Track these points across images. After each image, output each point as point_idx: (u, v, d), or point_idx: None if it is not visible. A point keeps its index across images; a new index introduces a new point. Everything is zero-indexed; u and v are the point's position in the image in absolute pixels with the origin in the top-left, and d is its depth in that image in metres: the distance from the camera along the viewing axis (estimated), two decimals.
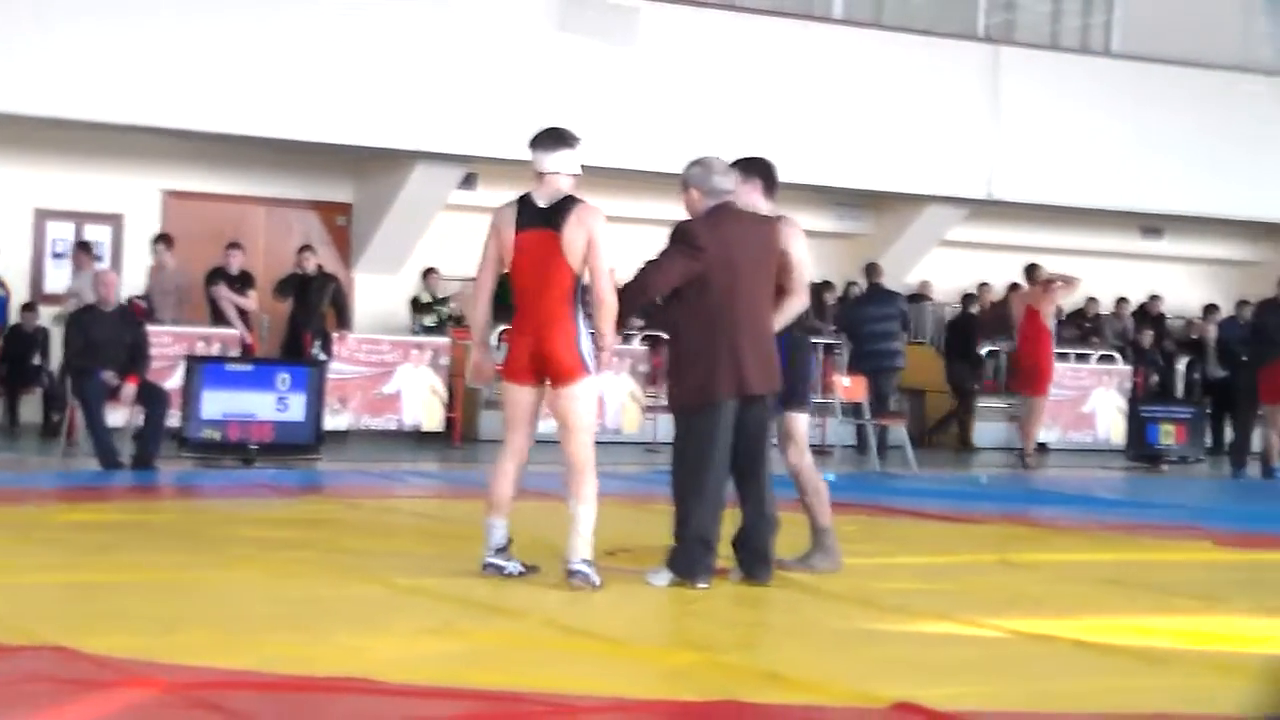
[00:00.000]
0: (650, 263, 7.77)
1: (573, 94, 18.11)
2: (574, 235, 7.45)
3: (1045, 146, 20.84)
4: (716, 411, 7.65)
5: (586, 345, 7.52)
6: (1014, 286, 20.28)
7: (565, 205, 7.51)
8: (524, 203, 7.59)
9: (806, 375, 8.34)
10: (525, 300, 7.56)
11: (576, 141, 7.67)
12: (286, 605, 6.86)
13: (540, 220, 7.51)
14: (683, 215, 7.90)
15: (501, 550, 7.62)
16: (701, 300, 7.66)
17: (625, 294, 7.77)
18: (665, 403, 8.14)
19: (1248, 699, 4.93)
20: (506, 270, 7.60)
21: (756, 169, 8.21)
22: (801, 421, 8.27)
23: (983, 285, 21.82)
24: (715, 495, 7.68)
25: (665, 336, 8.00)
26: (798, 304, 8.09)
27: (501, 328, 17.83)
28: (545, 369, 7.50)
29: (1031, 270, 18.21)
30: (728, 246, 7.68)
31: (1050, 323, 17.92)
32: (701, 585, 7.58)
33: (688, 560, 7.62)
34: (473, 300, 7.78)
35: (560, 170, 7.58)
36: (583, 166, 7.68)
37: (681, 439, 7.73)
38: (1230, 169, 21.69)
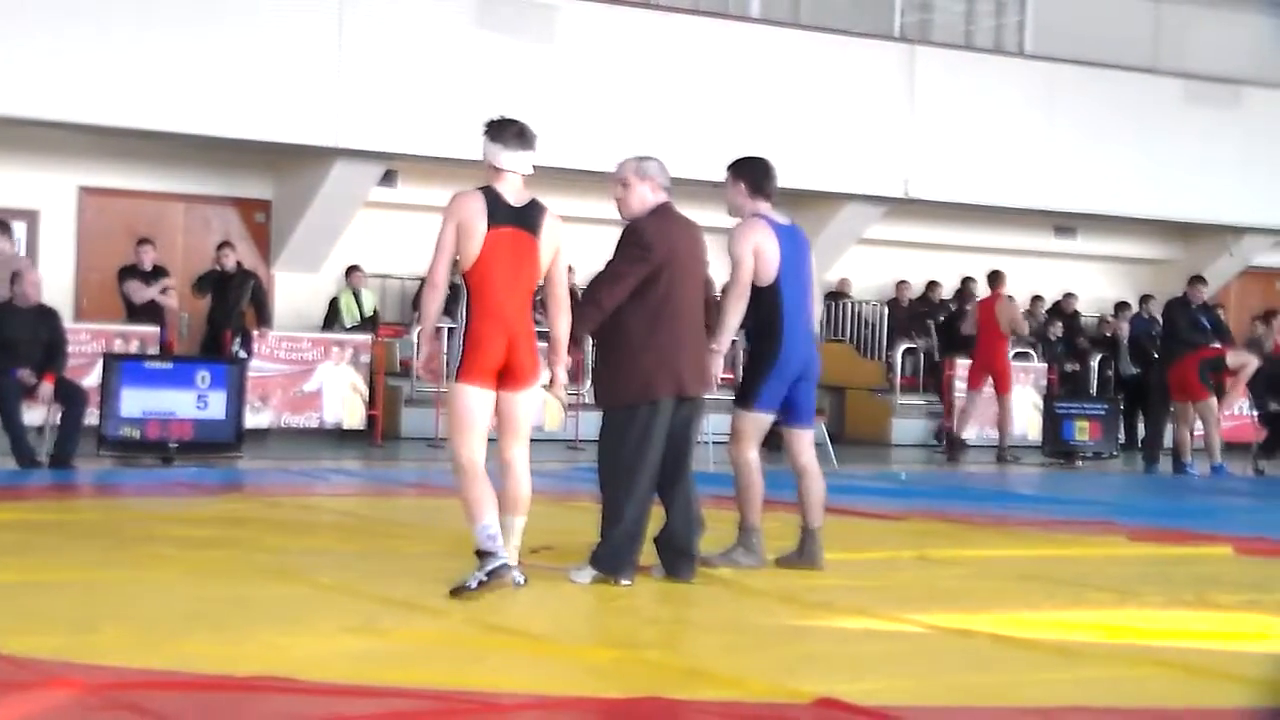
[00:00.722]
0: (602, 276, 7.74)
1: (490, 91, 18.07)
2: (548, 241, 7.42)
3: (961, 146, 21.03)
4: (655, 409, 7.66)
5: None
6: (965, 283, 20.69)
7: (537, 208, 7.45)
8: (493, 197, 7.39)
9: (757, 373, 8.32)
10: (494, 298, 7.32)
11: (534, 141, 7.57)
12: (207, 604, 6.83)
13: (515, 219, 7.37)
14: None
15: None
16: (644, 298, 7.67)
17: (582, 313, 7.74)
18: (592, 398, 8.08)
19: (1252, 693, 5.02)
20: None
21: (745, 170, 8.32)
22: (746, 418, 8.28)
23: (901, 283, 21.99)
24: (646, 493, 7.70)
25: (597, 331, 7.88)
26: (743, 305, 8.15)
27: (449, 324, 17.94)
28: (508, 372, 7.35)
29: (994, 277, 18.37)
30: (672, 247, 7.74)
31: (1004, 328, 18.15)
32: (625, 582, 7.60)
33: (613, 557, 7.64)
34: (428, 291, 7.48)
35: (520, 170, 7.47)
36: (491, 164, 7.60)
37: (615, 435, 7.69)
38: (1141, 169, 21.98)
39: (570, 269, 7.50)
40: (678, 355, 7.71)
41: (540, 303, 7.78)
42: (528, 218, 7.38)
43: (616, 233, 7.88)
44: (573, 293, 8.10)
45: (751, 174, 8.35)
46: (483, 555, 7.19)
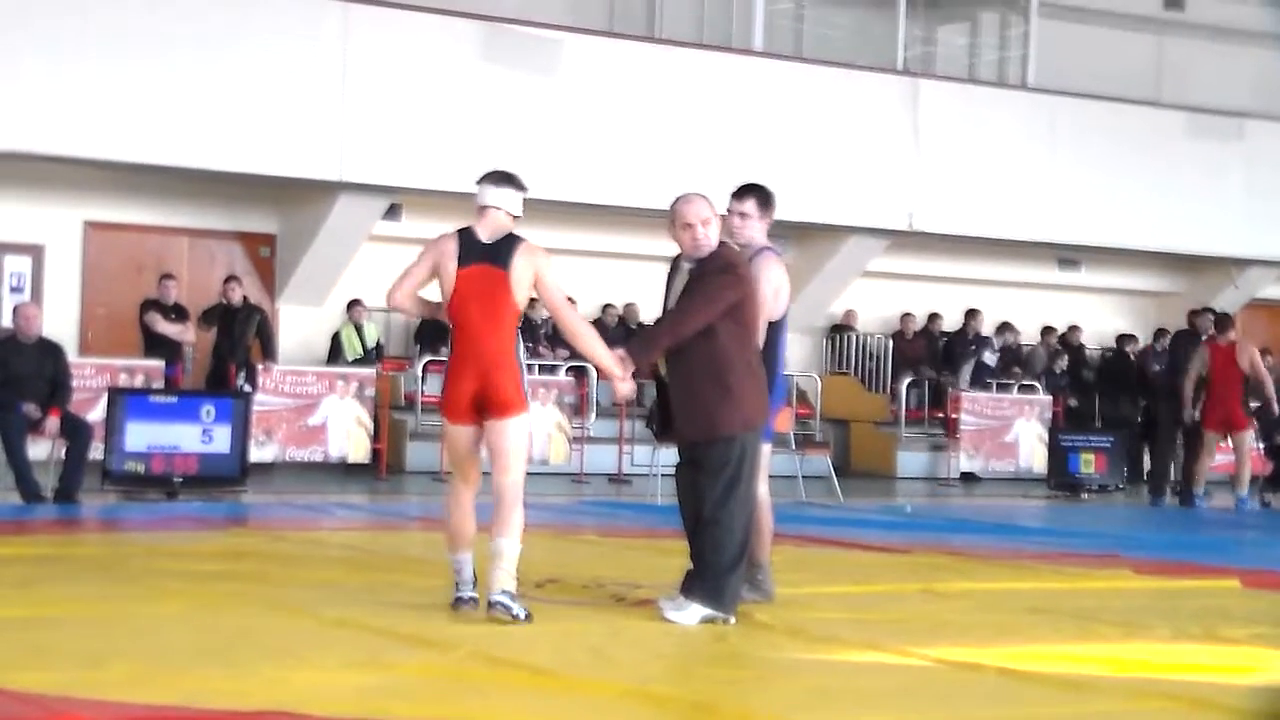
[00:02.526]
0: (694, 299, 7.60)
1: (495, 124, 18.16)
2: (521, 272, 7.43)
3: (965, 178, 21.05)
4: (759, 437, 7.72)
5: (525, 379, 7.55)
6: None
7: (510, 242, 7.49)
8: (465, 236, 7.54)
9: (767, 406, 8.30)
10: (467, 337, 7.46)
11: (523, 185, 7.68)
12: (213, 638, 6.81)
13: (485, 256, 7.46)
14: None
15: (473, 584, 7.56)
16: (741, 325, 7.67)
17: (664, 331, 7.68)
18: (688, 428, 7.75)
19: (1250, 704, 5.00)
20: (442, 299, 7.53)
21: (769, 199, 8.31)
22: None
23: (906, 316, 22.00)
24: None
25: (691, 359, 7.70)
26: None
27: (426, 359, 17.92)
28: (486, 404, 7.45)
29: (1222, 320, 17.63)
30: (750, 277, 7.78)
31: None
32: (733, 620, 7.57)
33: (735, 595, 7.60)
34: (397, 301, 7.65)
35: (503, 207, 7.57)
36: (480, 204, 7.65)
37: (736, 463, 7.57)
38: (1145, 202, 22.00)
39: (571, 300, 7.44)
40: (761, 384, 7.76)
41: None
42: (498, 253, 7.45)
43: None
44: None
45: (772, 203, 8.32)
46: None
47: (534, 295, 7.63)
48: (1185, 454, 17.72)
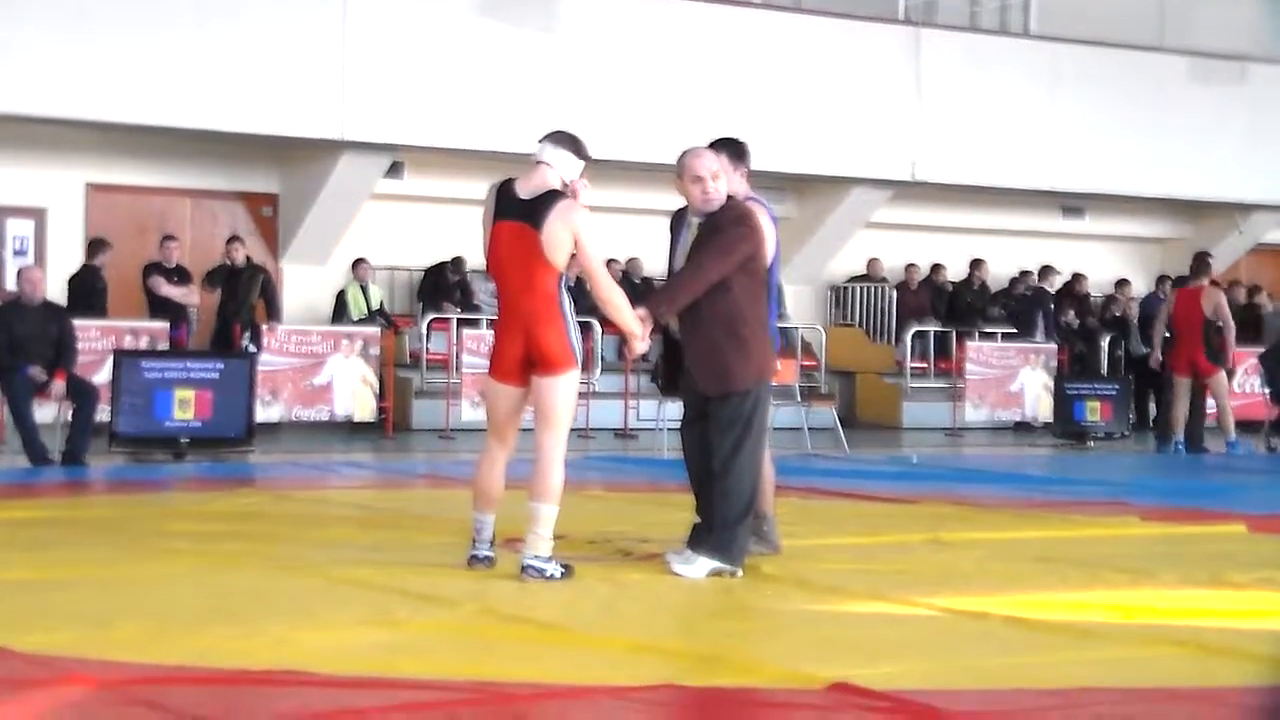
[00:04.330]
0: (710, 252, 7.57)
1: (495, 81, 18.11)
2: (555, 233, 7.19)
3: (967, 128, 20.99)
4: (769, 389, 7.76)
5: (576, 336, 7.37)
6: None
7: (547, 200, 7.25)
8: (504, 188, 7.37)
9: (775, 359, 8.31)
10: (508, 295, 7.35)
11: (584, 151, 7.49)
12: (221, 598, 6.83)
13: (519, 213, 7.27)
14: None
15: (490, 543, 7.52)
16: (754, 278, 7.65)
17: (682, 285, 7.61)
18: (701, 380, 7.68)
19: (1259, 670, 5.01)
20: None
21: (743, 151, 8.19)
22: None
23: (910, 266, 21.96)
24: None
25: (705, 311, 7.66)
26: None
27: (430, 317, 17.93)
28: (534, 361, 7.32)
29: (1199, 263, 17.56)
30: (762, 230, 7.74)
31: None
32: (740, 573, 7.58)
33: (742, 548, 7.61)
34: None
35: (553, 164, 7.38)
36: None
37: (748, 416, 7.56)
38: (1148, 148, 21.92)
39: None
40: (769, 337, 7.78)
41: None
42: (533, 211, 7.25)
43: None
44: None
45: (746, 154, 8.25)
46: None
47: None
48: (1158, 400, 17.86)
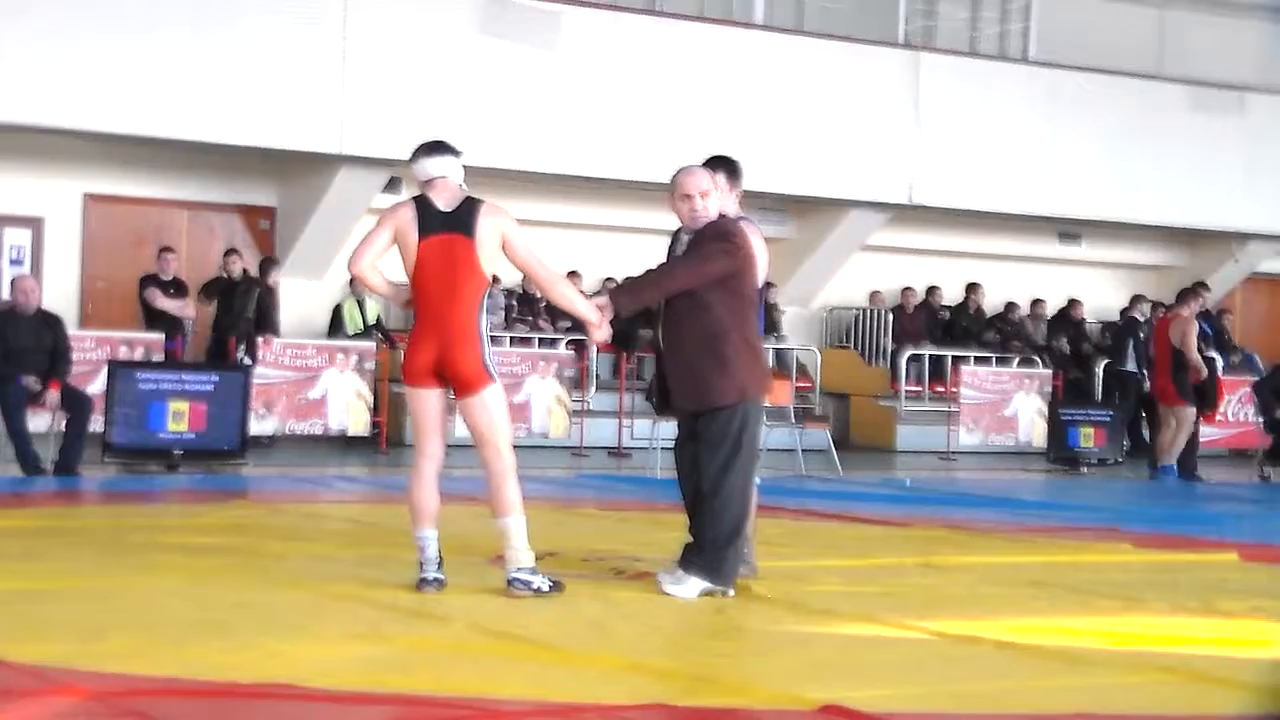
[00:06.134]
0: (684, 260, 7.63)
1: (495, 98, 18.12)
2: (488, 236, 7.32)
3: (965, 152, 21.02)
4: (760, 408, 7.75)
5: (489, 353, 7.43)
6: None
7: (471, 206, 7.37)
8: (423, 205, 7.40)
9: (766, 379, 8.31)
10: (428, 307, 7.38)
11: (458, 151, 7.57)
12: (212, 611, 6.82)
13: (447, 225, 7.34)
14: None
15: (438, 564, 7.43)
16: (738, 297, 7.64)
17: (648, 282, 7.67)
18: (685, 398, 7.67)
19: (1249, 699, 5.00)
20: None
21: (738, 169, 8.19)
22: None
23: (906, 290, 21.98)
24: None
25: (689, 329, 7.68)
26: None
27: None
28: (450, 381, 7.39)
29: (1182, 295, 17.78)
30: (751, 250, 7.75)
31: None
32: (731, 592, 7.58)
33: (733, 568, 7.60)
34: (359, 269, 7.47)
35: (448, 175, 7.46)
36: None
37: (736, 435, 7.55)
38: (1145, 176, 21.97)
39: (577, 274, 7.38)
40: (759, 356, 7.80)
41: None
42: (460, 220, 7.33)
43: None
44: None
45: (740, 174, 8.26)
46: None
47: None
48: (1151, 426, 18.05)
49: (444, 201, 7.40)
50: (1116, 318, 22.30)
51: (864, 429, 20.90)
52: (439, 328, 7.34)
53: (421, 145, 7.60)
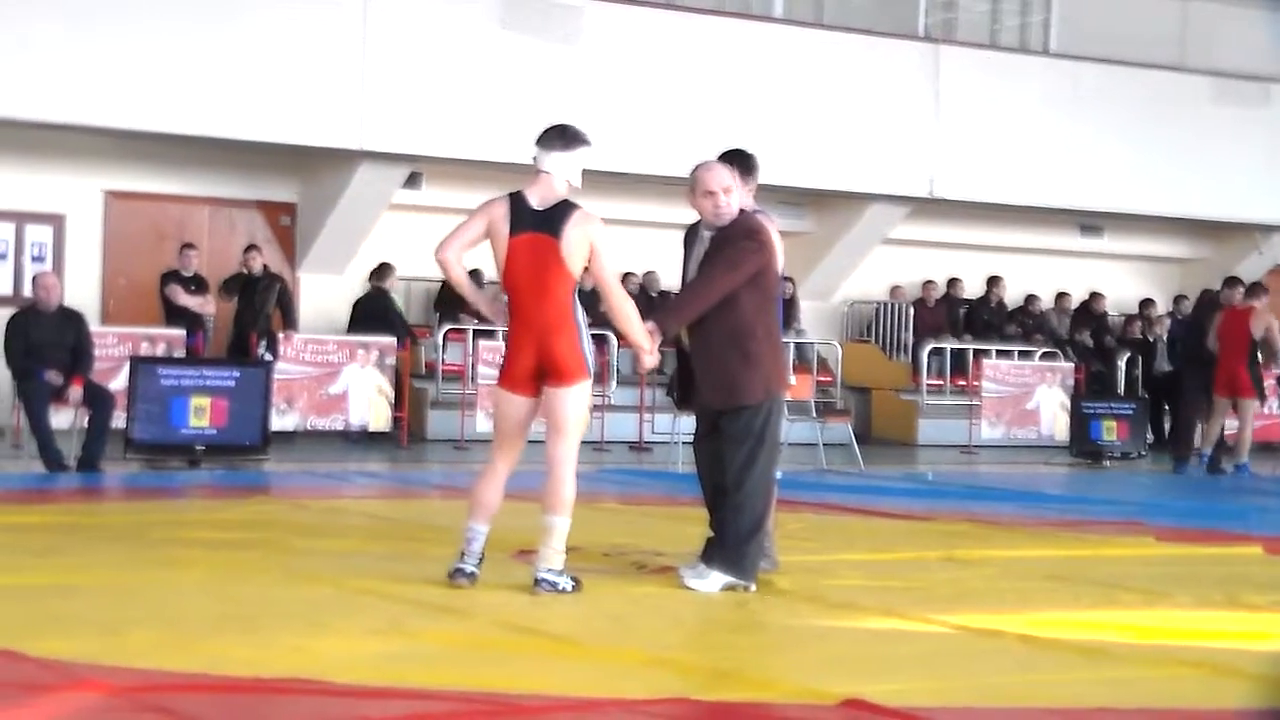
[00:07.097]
0: (719, 266, 7.57)
1: (515, 92, 18.11)
2: (575, 243, 7.23)
3: (986, 145, 20.96)
4: (782, 405, 7.78)
5: (588, 346, 7.38)
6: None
7: (563, 209, 7.29)
8: (516, 202, 7.35)
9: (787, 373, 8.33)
10: (522, 306, 7.33)
11: (580, 144, 7.44)
12: (234, 606, 6.84)
13: (536, 224, 7.28)
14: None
15: (479, 560, 7.41)
16: (763, 292, 7.64)
17: (690, 299, 7.63)
18: (713, 396, 7.67)
19: (1251, 692, 4.98)
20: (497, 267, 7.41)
21: (754, 164, 8.16)
22: None
23: (927, 283, 21.95)
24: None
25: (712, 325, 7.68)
26: None
27: (447, 327, 17.92)
28: (546, 372, 7.32)
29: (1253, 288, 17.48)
30: (773, 245, 7.74)
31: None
32: (754, 588, 7.58)
33: (754, 563, 7.60)
34: (446, 255, 7.39)
35: (554, 173, 7.36)
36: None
37: (759, 431, 7.56)
38: (1168, 168, 21.88)
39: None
40: (780, 351, 7.80)
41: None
42: (550, 221, 7.27)
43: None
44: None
45: (755, 168, 8.21)
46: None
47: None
48: (1174, 419, 17.81)
49: (538, 199, 7.33)
50: (1136, 310, 22.25)
51: (885, 423, 20.87)
52: (533, 324, 7.30)
53: (549, 130, 7.49)
